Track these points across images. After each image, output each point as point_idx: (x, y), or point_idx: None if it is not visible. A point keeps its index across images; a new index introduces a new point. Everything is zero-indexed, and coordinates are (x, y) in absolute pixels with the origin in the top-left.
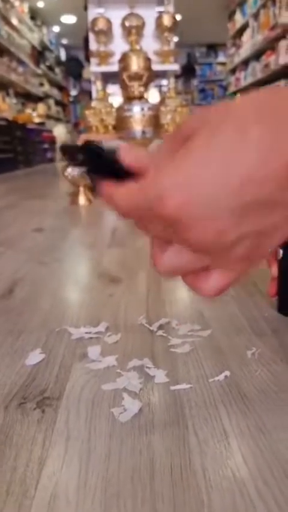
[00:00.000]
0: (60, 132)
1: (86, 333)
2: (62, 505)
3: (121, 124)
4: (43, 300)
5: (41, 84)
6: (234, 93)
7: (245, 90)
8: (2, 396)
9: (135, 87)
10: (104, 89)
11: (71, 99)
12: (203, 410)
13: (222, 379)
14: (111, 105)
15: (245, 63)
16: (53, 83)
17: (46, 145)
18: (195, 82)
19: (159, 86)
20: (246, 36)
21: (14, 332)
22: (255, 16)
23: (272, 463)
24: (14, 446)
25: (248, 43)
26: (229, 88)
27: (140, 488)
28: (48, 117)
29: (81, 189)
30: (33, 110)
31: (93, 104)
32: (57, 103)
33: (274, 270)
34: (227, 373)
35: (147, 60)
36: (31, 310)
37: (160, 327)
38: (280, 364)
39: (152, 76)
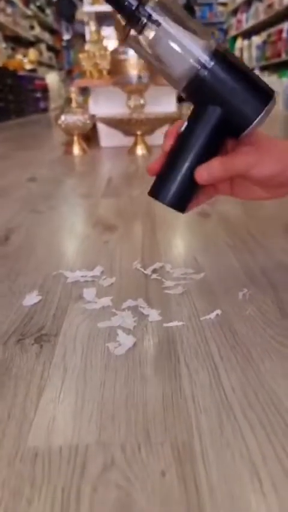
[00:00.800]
0: (53, 79)
1: (82, 276)
2: (61, 427)
3: (116, 68)
4: (39, 246)
5: (32, 27)
6: (235, 37)
7: (246, 33)
8: (0, 333)
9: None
10: (98, 30)
11: (63, 43)
12: (194, 345)
13: (213, 317)
14: (105, 48)
15: (248, 3)
16: (44, 26)
17: (39, 94)
18: None
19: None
20: None
21: (11, 276)
22: None
23: (257, 390)
24: (13, 377)
25: None
26: (230, 31)
27: (133, 412)
28: (40, 63)
29: (76, 138)
30: (24, 55)
31: (87, 47)
32: (49, 48)
33: (168, 145)
34: (218, 311)
35: None
36: (27, 256)
37: (154, 271)
38: (270, 304)
39: None
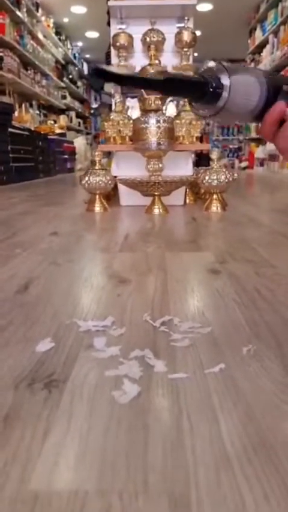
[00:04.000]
0: (80, 143)
1: (94, 326)
2: (63, 471)
3: (138, 135)
4: (55, 296)
5: (63, 97)
6: None
7: None
8: (13, 377)
9: (152, 100)
10: (123, 101)
11: (91, 111)
12: (197, 397)
13: (217, 371)
14: (128, 117)
15: None
16: (75, 96)
17: (66, 156)
18: None
19: (177, 101)
20: (265, 52)
21: (26, 323)
22: (275, 32)
23: (257, 446)
24: (21, 420)
25: (267, 59)
26: None
27: (133, 460)
28: (69, 128)
29: (97, 196)
30: (55, 121)
31: (112, 115)
32: (78, 115)
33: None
34: (222, 365)
35: (165, 73)
36: (44, 305)
37: (163, 323)
38: (274, 360)
39: None
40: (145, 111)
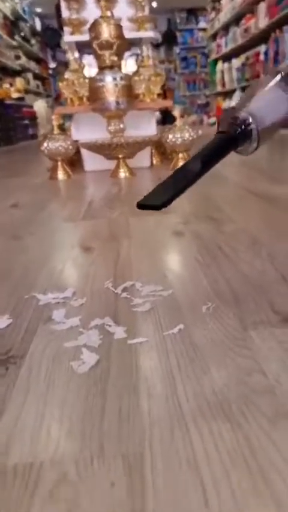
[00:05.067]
0: (40, 106)
1: (53, 298)
2: (18, 448)
3: (95, 95)
4: (14, 271)
5: (17, 57)
6: (216, 60)
7: (226, 56)
8: None
9: (107, 56)
10: (78, 59)
11: (50, 71)
12: (155, 359)
13: (176, 332)
14: (84, 76)
15: (226, 28)
16: (30, 56)
17: (27, 121)
18: (177, 50)
19: (137, 55)
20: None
21: None
22: None
23: (210, 399)
24: None
25: (228, 7)
26: (211, 55)
27: (89, 427)
28: (27, 91)
29: (59, 163)
30: (11, 84)
31: (67, 75)
32: (36, 76)
33: None
34: (181, 326)
35: (119, 27)
36: (1, 282)
37: (124, 289)
38: (232, 317)
39: (125, 44)
40: (101, 69)
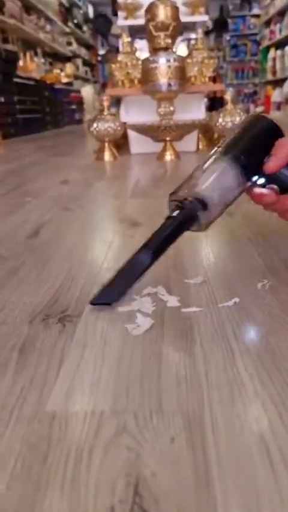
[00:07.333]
0: (87, 92)
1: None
2: (78, 395)
3: (147, 77)
4: (67, 239)
5: (69, 43)
6: (268, 48)
7: (280, 43)
8: (27, 313)
9: (162, 38)
10: (130, 42)
11: (99, 58)
12: (211, 328)
13: (231, 305)
14: (137, 58)
15: (281, 14)
16: (81, 42)
17: (74, 106)
18: (227, 37)
19: (188, 40)
20: None
21: (39, 264)
22: None
23: (271, 370)
24: (37, 350)
25: None
26: (263, 42)
27: (147, 385)
28: (76, 77)
29: (107, 145)
30: (61, 70)
31: (119, 57)
32: (85, 63)
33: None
34: (237, 299)
35: (175, 9)
36: (55, 247)
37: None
38: None
39: (179, 27)
40: (154, 50)
